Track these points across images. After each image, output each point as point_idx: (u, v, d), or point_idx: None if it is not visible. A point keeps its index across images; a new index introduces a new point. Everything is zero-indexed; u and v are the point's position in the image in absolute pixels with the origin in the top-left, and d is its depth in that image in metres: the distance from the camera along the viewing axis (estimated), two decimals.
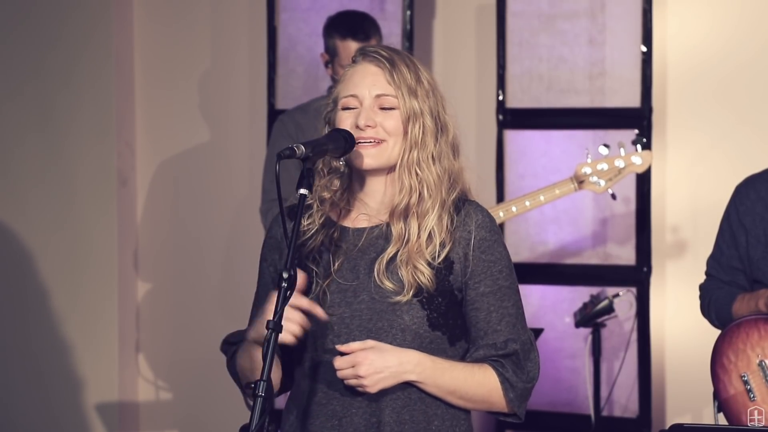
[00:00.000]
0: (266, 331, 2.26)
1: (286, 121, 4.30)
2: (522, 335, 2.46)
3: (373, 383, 2.35)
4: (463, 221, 2.43)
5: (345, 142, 2.40)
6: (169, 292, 5.36)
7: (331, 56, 4.26)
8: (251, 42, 5.20)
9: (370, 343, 2.36)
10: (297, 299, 2.32)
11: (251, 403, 2.26)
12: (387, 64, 2.44)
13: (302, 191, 2.34)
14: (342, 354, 2.36)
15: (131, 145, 5.34)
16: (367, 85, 2.43)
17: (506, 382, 2.43)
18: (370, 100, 2.43)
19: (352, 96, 2.44)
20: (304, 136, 4.15)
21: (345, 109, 2.45)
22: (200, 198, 5.31)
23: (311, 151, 2.34)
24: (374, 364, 2.34)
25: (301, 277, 2.34)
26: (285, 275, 2.26)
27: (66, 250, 5.29)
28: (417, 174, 2.42)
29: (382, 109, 2.43)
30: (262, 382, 2.23)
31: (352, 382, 2.36)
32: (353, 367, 2.34)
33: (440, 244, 2.41)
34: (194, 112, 5.32)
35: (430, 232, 2.41)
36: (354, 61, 2.49)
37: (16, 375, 5.37)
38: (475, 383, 2.42)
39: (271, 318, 2.25)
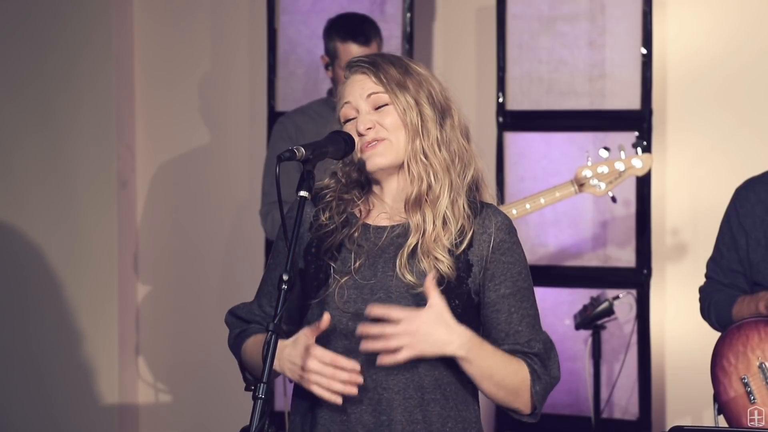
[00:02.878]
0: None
1: (286, 124, 4.30)
2: (541, 335, 2.48)
3: (415, 343, 2.32)
4: (482, 224, 2.44)
5: (345, 144, 2.42)
6: (169, 295, 5.36)
7: (332, 59, 4.26)
8: (251, 44, 5.20)
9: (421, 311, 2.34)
10: (321, 353, 2.33)
11: (248, 389, 2.28)
12: (371, 67, 2.48)
13: (302, 193, 2.35)
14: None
15: (131, 147, 5.34)
16: (357, 91, 2.47)
17: (534, 374, 2.44)
18: (365, 105, 2.46)
19: (347, 104, 2.48)
20: (304, 139, 4.16)
21: (346, 121, 2.49)
22: (200, 200, 5.31)
23: (311, 153, 2.36)
24: (427, 324, 2.32)
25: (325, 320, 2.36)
26: (285, 277, 2.26)
27: (66, 252, 5.28)
28: (424, 162, 2.44)
29: (377, 108, 2.45)
30: (261, 384, 2.23)
31: (395, 342, 2.31)
32: (400, 324, 2.31)
33: (459, 230, 2.42)
34: (194, 114, 5.32)
35: (444, 217, 2.42)
36: (345, 78, 2.53)
37: (16, 377, 5.36)
38: (512, 371, 2.42)
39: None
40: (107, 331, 5.25)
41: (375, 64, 2.48)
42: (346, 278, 2.43)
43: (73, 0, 5.27)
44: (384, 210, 2.50)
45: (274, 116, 4.87)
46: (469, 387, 2.47)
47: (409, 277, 2.40)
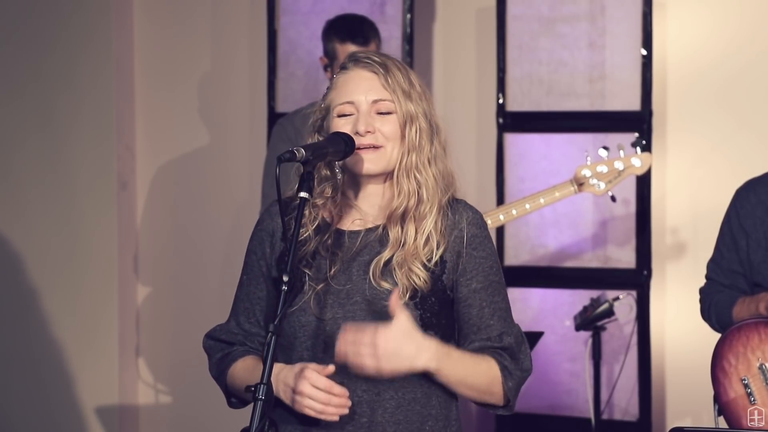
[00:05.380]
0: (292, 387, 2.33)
1: (286, 125, 4.30)
2: (513, 328, 2.48)
3: (380, 359, 2.30)
4: (454, 220, 2.44)
5: (345, 146, 2.40)
6: (169, 296, 5.35)
7: (331, 60, 4.26)
8: (251, 45, 5.20)
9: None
10: (316, 380, 2.32)
11: (234, 408, 2.25)
12: (381, 69, 2.44)
13: (302, 194, 2.34)
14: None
15: (131, 148, 5.34)
16: (363, 90, 2.43)
17: (505, 370, 2.44)
18: (367, 106, 2.43)
19: (348, 103, 2.44)
20: (303, 140, 4.15)
21: (341, 116, 2.45)
22: (200, 201, 5.31)
23: (311, 154, 2.35)
24: (394, 341, 2.30)
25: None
26: (285, 279, 2.26)
27: (66, 253, 5.28)
28: (416, 178, 2.43)
29: (379, 114, 2.44)
30: (262, 386, 2.23)
31: (368, 361, 2.30)
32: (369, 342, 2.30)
33: (435, 245, 2.42)
34: (194, 115, 5.32)
35: (427, 235, 2.41)
36: (345, 68, 2.49)
37: (16, 379, 5.36)
38: (482, 372, 2.43)
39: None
40: (107, 331, 5.25)
41: (385, 67, 2.44)
42: (321, 285, 2.42)
43: (73, 0, 5.27)
44: (357, 215, 2.48)
45: (274, 117, 4.87)
46: None
47: (385, 285, 2.39)
